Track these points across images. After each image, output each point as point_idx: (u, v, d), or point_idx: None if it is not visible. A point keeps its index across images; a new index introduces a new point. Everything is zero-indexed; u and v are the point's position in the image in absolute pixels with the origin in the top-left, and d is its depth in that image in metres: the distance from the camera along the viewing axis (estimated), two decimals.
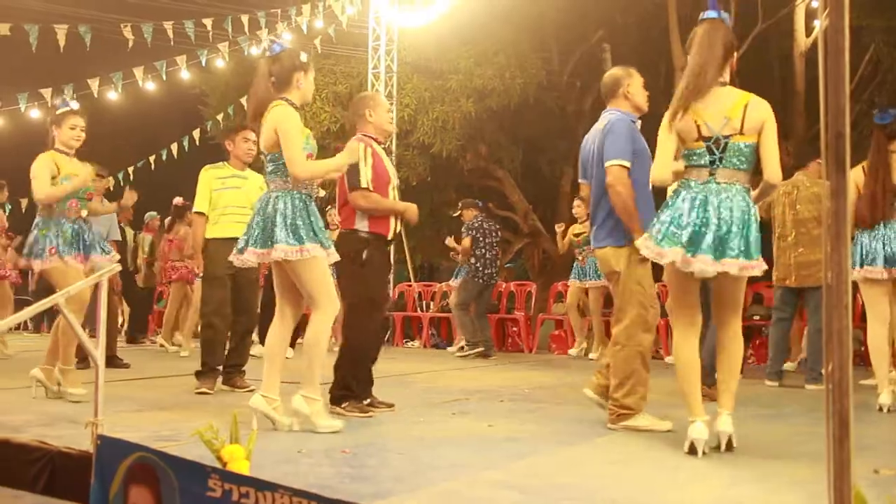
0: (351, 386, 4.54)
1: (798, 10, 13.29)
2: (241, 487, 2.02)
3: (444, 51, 13.11)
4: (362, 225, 4.58)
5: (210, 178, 5.87)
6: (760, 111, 3.44)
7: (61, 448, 2.93)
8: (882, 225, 5.01)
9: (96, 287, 2.89)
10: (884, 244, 4.97)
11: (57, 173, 4.98)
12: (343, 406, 4.47)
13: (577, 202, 9.41)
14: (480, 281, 9.18)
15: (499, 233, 9.70)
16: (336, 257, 4.13)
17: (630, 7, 13.46)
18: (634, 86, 4.31)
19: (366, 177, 4.53)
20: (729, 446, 3.43)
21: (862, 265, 5.01)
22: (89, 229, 5.14)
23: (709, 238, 3.35)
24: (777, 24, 13.28)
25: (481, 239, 9.27)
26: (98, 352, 2.77)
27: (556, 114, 14.82)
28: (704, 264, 3.35)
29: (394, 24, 12.89)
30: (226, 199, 5.79)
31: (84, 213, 5.07)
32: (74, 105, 5.19)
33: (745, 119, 3.42)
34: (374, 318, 4.64)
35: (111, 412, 4.23)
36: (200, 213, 5.85)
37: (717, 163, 3.45)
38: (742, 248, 3.36)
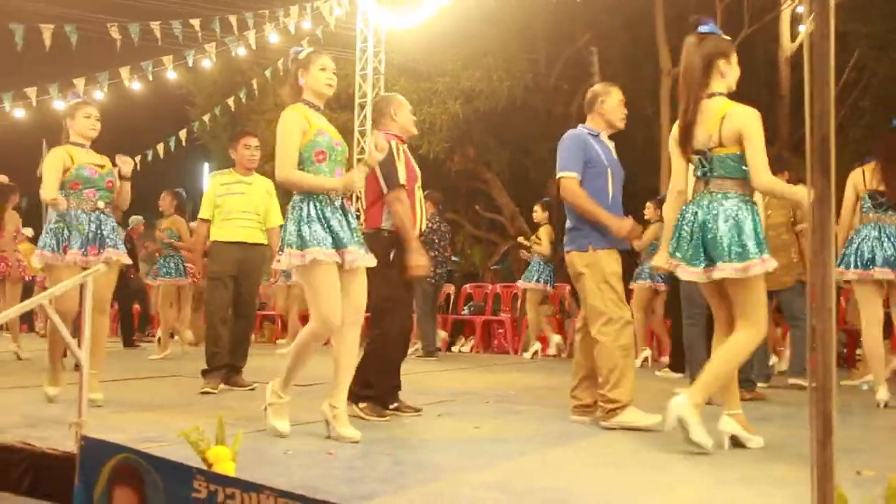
0: (372, 384, 4.44)
1: (783, 15, 13.39)
2: (226, 489, 2.01)
3: (431, 53, 13.13)
4: (388, 224, 4.49)
5: (215, 184, 6.01)
6: (735, 121, 3.53)
7: (45, 449, 2.91)
8: (877, 228, 5.09)
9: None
10: (880, 245, 5.03)
11: (71, 164, 4.80)
12: (361, 406, 4.38)
13: (536, 207, 9.61)
14: (432, 281, 9.19)
15: (449, 234, 9.65)
16: (370, 261, 3.89)
17: (617, 10, 13.54)
18: (608, 103, 4.46)
19: (402, 174, 4.47)
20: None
21: (857, 266, 5.08)
22: (109, 221, 4.90)
23: (690, 247, 3.57)
24: (762, 29, 13.39)
25: (436, 241, 9.23)
26: (83, 353, 2.75)
27: (543, 116, 14.86)
28: (696, 276, 3.58)
29: (382, 26, 12.89)
30: (230, 204, 5.89)
31: (101, 203, 4.85)
32: (84, 97, 5.19)
33: (721, 131, 3.55)
34: (397, 319, 4.54)
35: (95, 413, 4.21)
36: (204, 220, 5.99)
37: (709, 174, 3.61)
38: (729, 252, 3.46)
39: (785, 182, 6.45)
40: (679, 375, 6.73)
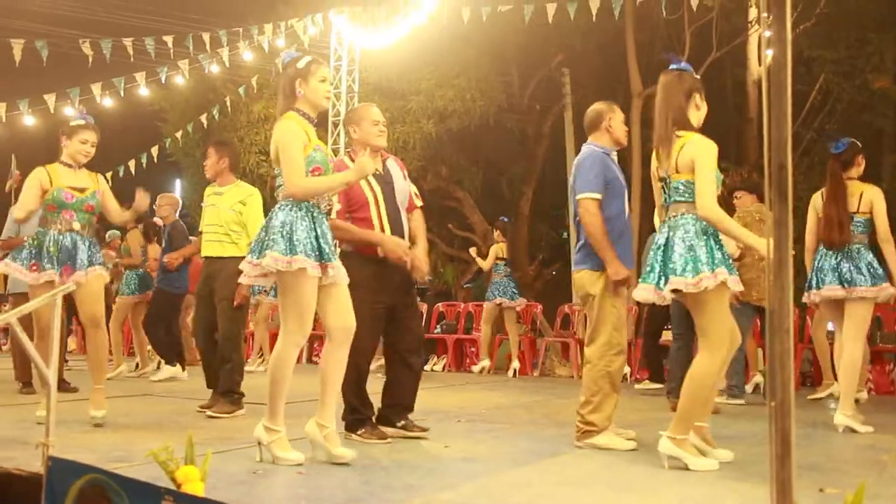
0: (358, 407, 4.34)
1: (751, 39, 13.65)
2: None
3: (405, 72, 13.21)
4: (347, 245, 4.41)
5: (204, 198, 6.03)
6: (691, 150, 3.66)
7: (11, 469, 2.88)
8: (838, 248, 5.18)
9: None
10: (840, 265, 5.11)
11: (50, 186, 4.74)
12: (359, 433, 4.28)
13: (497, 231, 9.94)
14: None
15: None
16: (346, 278, 3.77)
17: (589, 33, 13.70)
18: (616, 121, 4.51)
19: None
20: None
21: (819, 287, 5.18)
22: (85, 242, 4.80)
23: (655, 269, 3.67)
24: (731, 52, 13.63)
25: None
26: (50, 372, 2.74)
27: (515, 136, 14.99)
28: (646, 292, 3.68)
29: (356, 45, 12.94)
30: (204, 218, 5.89)
31: (77, 225, 4.77)
32: (90, 119, 4.95)
33: (678, 159, 3.69)
34: (365, 335, 4.19)
35: (62, 433, 4.16)
36: (201, 233, 6.03)
37: (668, 199, 3.76)
38: (686, 267, 3.55)
39: (753, 202, 6.65)
40: (659, 386, 7.11)
